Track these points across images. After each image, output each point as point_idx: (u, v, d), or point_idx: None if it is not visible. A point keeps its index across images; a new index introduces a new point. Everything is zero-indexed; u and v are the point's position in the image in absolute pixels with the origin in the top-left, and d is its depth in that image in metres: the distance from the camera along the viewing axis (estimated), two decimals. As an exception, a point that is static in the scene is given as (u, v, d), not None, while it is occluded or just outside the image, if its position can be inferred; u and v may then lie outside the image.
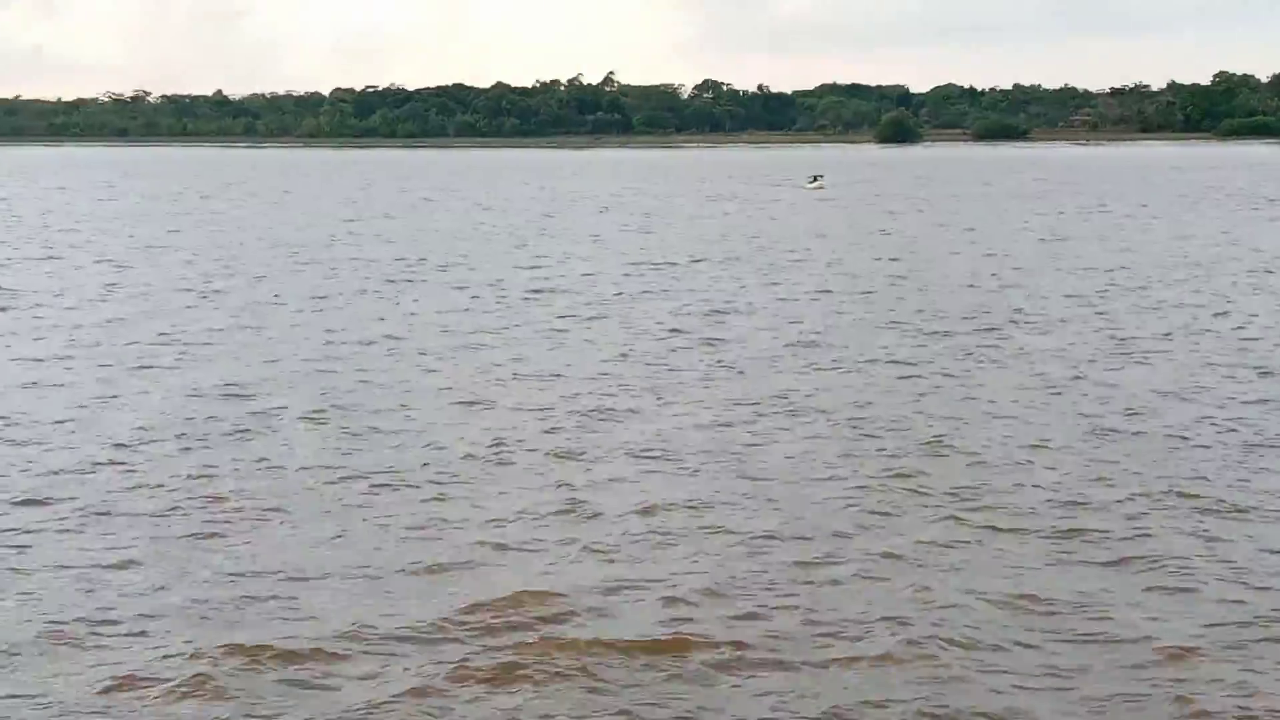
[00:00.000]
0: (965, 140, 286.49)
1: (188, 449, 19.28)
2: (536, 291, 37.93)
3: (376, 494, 17.09)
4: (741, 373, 24.96)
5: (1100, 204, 78.47)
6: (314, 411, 21.54)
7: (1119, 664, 11.92)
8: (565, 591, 13.48)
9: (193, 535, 15.43)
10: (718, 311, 33.42)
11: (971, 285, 38.94)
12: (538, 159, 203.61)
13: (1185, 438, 19.59)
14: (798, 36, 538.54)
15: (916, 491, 17.02)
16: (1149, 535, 15.28)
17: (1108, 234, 57.15)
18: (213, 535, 15.44)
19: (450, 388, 23.71)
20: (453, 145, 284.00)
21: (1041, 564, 14.38)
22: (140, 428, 20.48)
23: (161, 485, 17.38)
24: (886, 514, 16.16)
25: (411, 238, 57.58)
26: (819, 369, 25.46)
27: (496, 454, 18.94)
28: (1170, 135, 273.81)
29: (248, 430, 20.41)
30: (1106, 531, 15.36)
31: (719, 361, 26.16)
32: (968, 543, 15.06)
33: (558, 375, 24.81)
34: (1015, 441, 19.50)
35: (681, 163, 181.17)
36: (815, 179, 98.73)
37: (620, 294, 37.31)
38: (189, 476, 17.79)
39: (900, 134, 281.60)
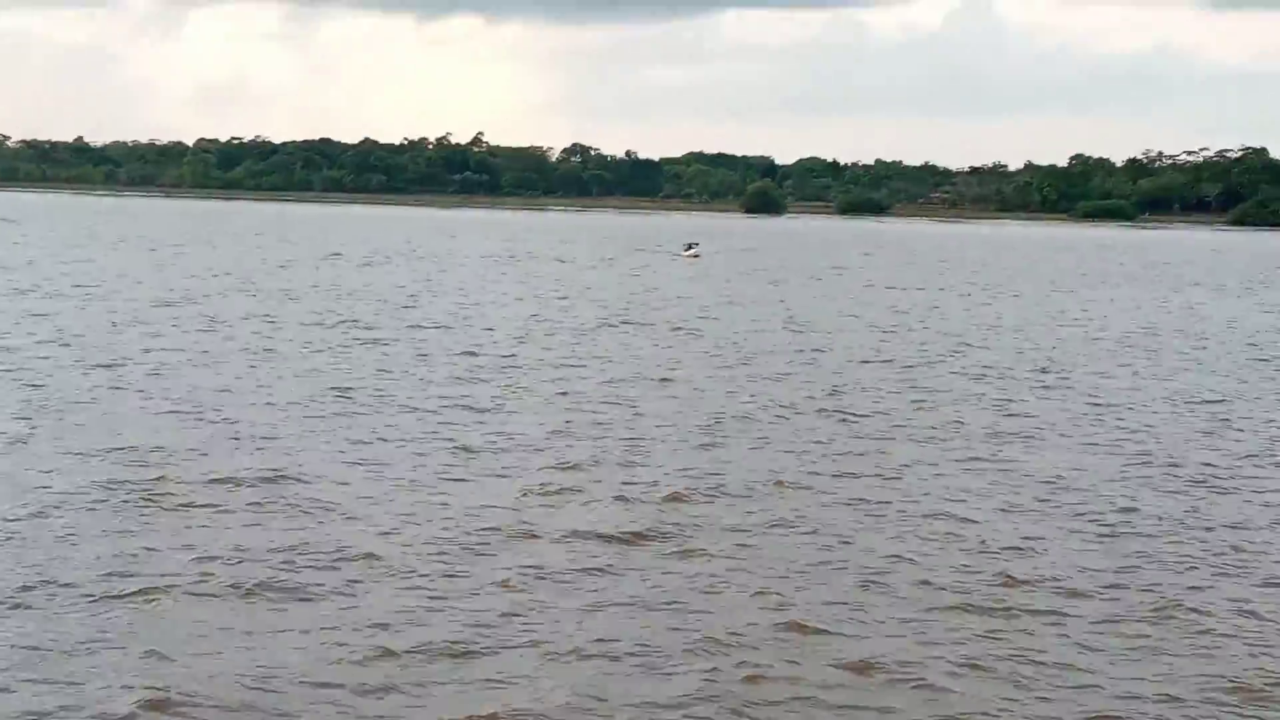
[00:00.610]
0: (828, 214, 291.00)
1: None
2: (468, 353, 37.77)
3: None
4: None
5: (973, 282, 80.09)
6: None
7: None
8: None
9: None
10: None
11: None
12: (410, 217, 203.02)
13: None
14: (663, 103, 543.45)
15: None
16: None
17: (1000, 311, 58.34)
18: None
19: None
20: (318, 200, 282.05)
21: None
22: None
23: None
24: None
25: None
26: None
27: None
28: (1028, 215, 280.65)
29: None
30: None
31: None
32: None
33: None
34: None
35: (556, 225, 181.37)
36: (690, 247, 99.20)
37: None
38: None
39: (765, 204, 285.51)
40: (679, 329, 46.77)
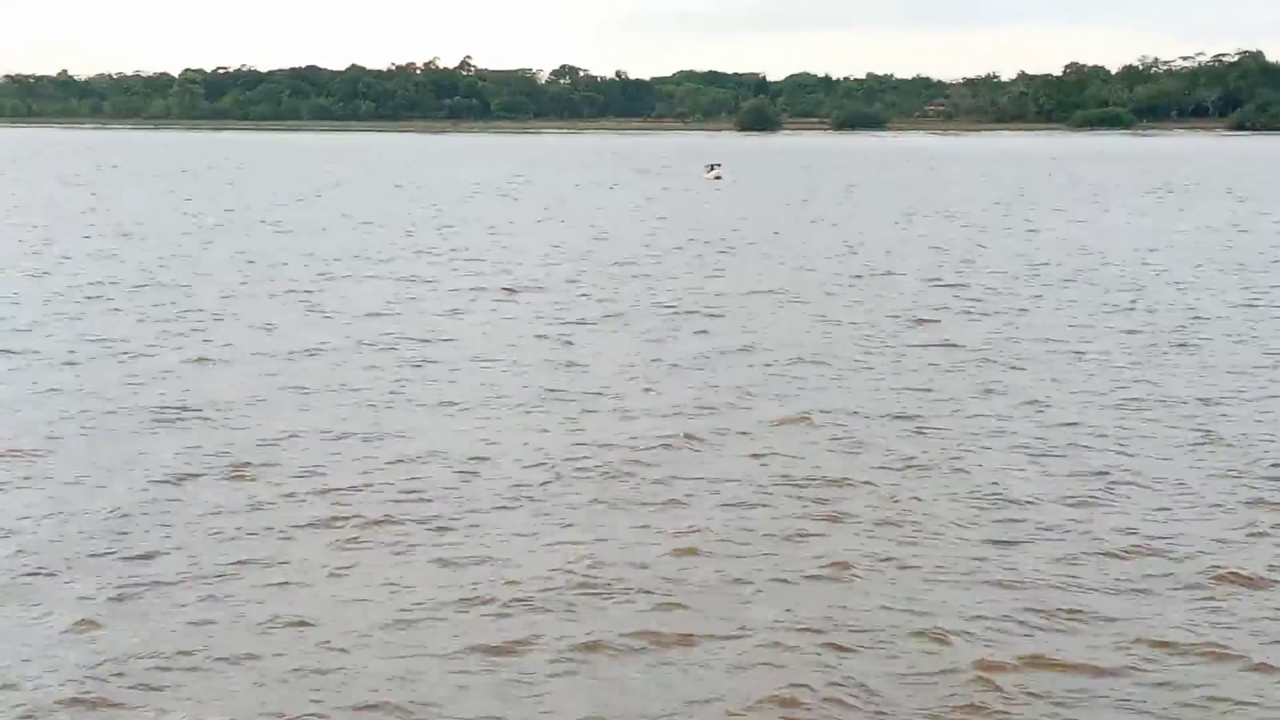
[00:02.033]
0: (824, 129, 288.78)
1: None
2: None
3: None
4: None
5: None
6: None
7: None
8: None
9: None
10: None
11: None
12: (402, 143, 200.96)
13: None
14: (650, 22, 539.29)
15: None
16: None
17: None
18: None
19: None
20: (307, 128, 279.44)
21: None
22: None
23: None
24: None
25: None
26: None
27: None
28: (1024, 125, 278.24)
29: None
30: None
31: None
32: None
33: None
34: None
35: (553, 149, 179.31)
36: (713, 168, 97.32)
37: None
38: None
39: (760, 122, 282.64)
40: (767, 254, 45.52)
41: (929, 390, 22.12)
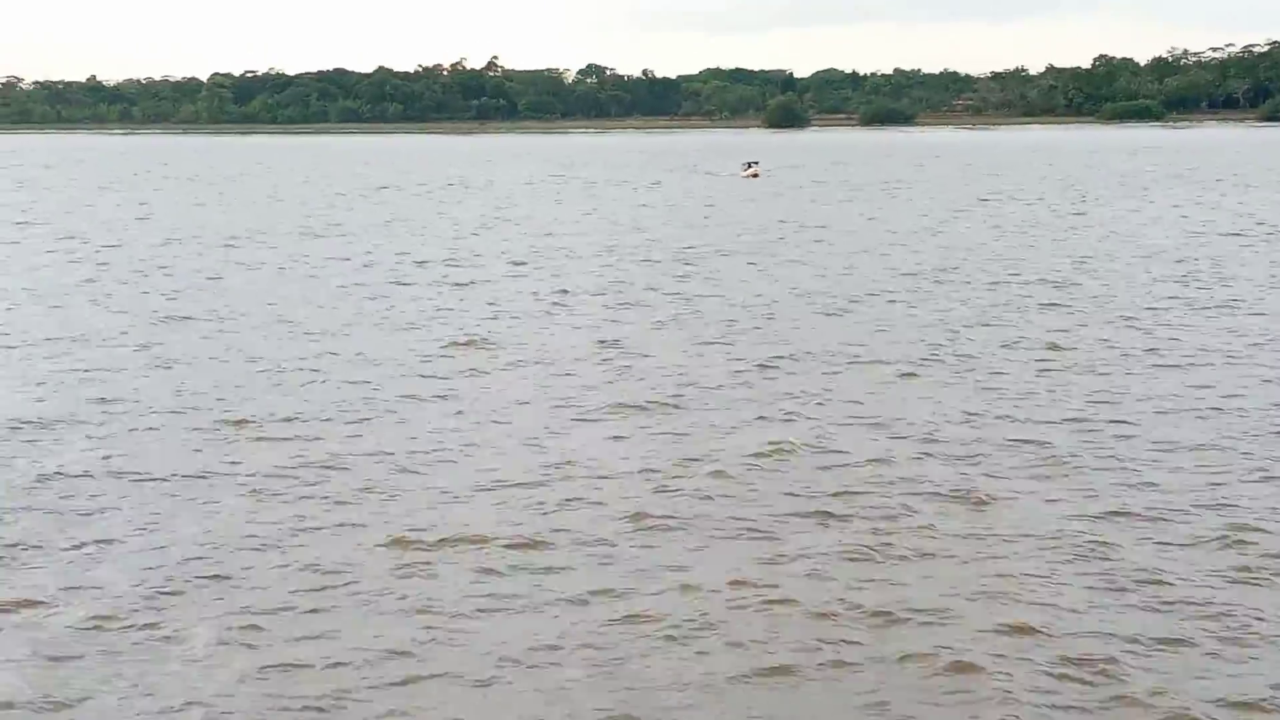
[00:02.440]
0: (852, 125, 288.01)
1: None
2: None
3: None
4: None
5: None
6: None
7: None
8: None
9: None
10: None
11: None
12: (434, 144, 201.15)
13: None
14: (675, 21, 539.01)
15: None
16: None
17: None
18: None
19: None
20: (336, 130, 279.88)
21: None
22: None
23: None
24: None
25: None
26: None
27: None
28: (1053, 119, 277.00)
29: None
30: None
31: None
32: None
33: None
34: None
35: (594, 148, 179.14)
36: (750, 165, 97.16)
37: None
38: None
39: (789, 119, 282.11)
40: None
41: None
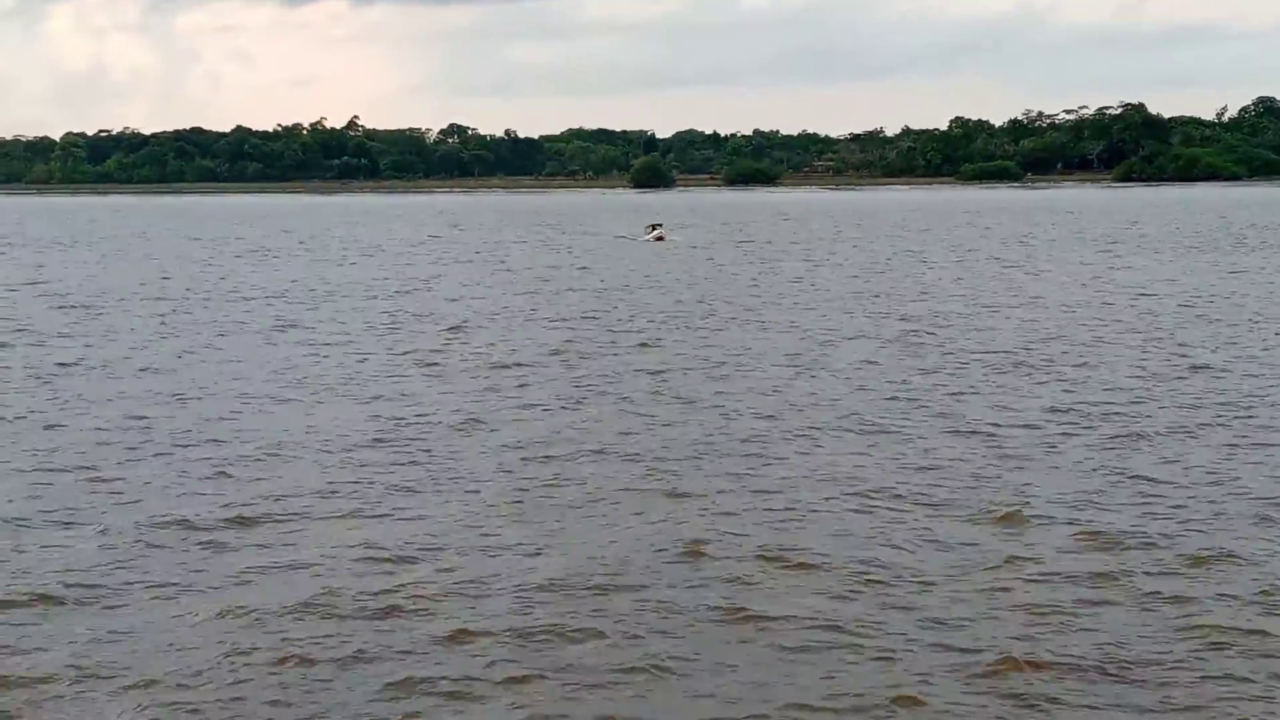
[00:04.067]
0: (717, 185, 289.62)
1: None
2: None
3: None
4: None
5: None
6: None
7: None
8: None
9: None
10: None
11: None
12: (295, 204, 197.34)
13: None
14: (536, 81, 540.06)
15: None
16: None
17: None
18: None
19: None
20: (192, 190, 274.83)
21: None
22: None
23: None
24: None
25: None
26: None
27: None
28: (913, 180, 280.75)
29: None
30: None
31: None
32: None
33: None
34: None
35: (447, 208, 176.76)
36: (654, 228, 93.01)
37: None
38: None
39: (654, 178, 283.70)
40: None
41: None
